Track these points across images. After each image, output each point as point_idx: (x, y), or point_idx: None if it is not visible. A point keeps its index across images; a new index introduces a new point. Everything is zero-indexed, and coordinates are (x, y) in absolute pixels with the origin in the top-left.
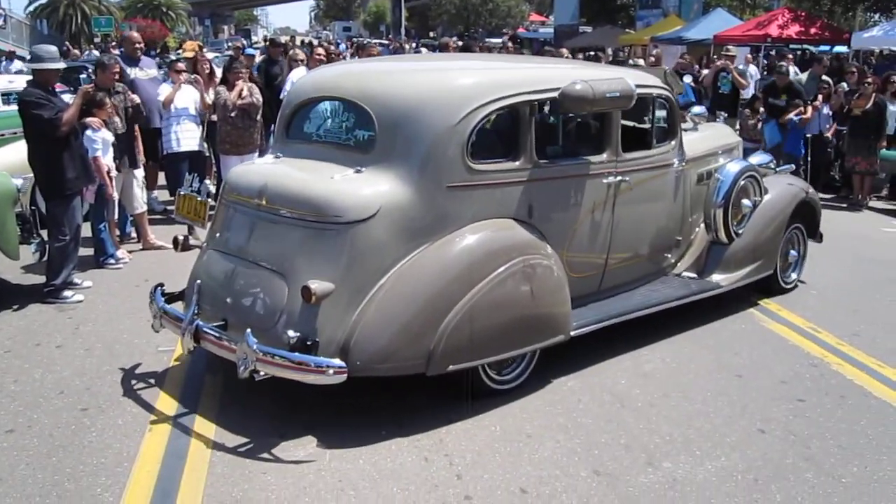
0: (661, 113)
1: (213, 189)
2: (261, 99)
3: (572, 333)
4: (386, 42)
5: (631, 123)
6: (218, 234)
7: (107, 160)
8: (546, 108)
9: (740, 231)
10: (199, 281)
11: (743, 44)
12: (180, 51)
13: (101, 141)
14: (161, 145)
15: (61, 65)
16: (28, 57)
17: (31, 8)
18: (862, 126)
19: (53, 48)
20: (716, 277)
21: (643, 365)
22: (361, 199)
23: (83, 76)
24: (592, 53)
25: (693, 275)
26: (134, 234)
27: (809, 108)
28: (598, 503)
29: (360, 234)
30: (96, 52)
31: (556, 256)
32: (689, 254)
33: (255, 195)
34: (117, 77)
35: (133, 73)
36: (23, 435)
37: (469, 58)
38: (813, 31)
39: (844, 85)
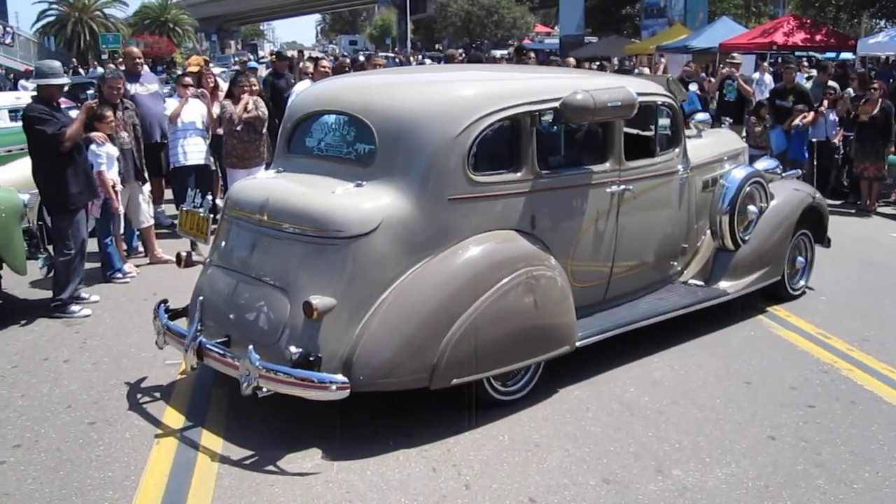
0: (664, 121)
1: (219, 203)
2: (266, 112)
3: (577, 344)
4: (392, 55)
5: (634, 131)
6: (220, 250)
7: (111, 174)
8: (547, 119)
9: (747, 237)
10: (201, 297)
11: (748, 51)
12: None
13: (105, 155)
14: (166, 159)
15: (64, 80)
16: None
17: (38, 25)
18: (869, 132)
19: (57, 63)
20: (723, 284)
21: (652, 373)
22: (363, 214)
23: (90, 92)
24: (598, 64)
25: (700, 282)
26: (141, 249)
27: (811, 113)
28: None
29: (362, 249)
30: (101, 69)
31: (560, 267)
32: (696, 261)
33: (257, 210)
34: (121, 90)
35: (133, 88)
36: (30, 449)
37: (469, 69)
38: (818, 37)
39: (850, 91)
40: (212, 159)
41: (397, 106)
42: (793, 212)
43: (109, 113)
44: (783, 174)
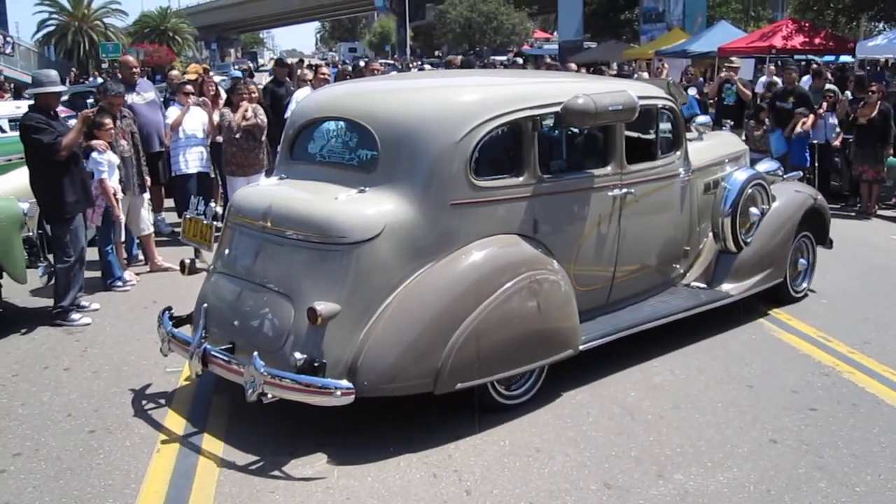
0: (665, 124)
1: (219, 211)
2: (265, 120)
3: (581, 348)
4: (391, 62)
5: (636, 135)
6: (224, 257)
7: (112, 182)
8: (549, 123)
9: (749, 239)
10: (206, 304)
11: (747, 55)
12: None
13: (106, 163)
14: (167, 167)
15: (61, 88)
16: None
17: (38, 35)
18: (868, 134)
19: (54, 72)
20: (725, 287)
21: (653, 377)
22: (365, 219)
23: (90, 101)
24: (593, 69)
25: (702, 285)
26: (141, 257)
27: (811, 116)
28: None
29: (365, 254)
30: (100, 79)
31: (563, 271)
32: (698, 264)
33: (260, 217)
34: (121, 105)
35: (130, 98)
36: (30, 458)
37: (470, 74)
38: (817, 41)
39: (849, 94)
40: (212, 167)
41: (399, 111)
42: (795, 213)
43: (108, 121)
44: (785, 176)
